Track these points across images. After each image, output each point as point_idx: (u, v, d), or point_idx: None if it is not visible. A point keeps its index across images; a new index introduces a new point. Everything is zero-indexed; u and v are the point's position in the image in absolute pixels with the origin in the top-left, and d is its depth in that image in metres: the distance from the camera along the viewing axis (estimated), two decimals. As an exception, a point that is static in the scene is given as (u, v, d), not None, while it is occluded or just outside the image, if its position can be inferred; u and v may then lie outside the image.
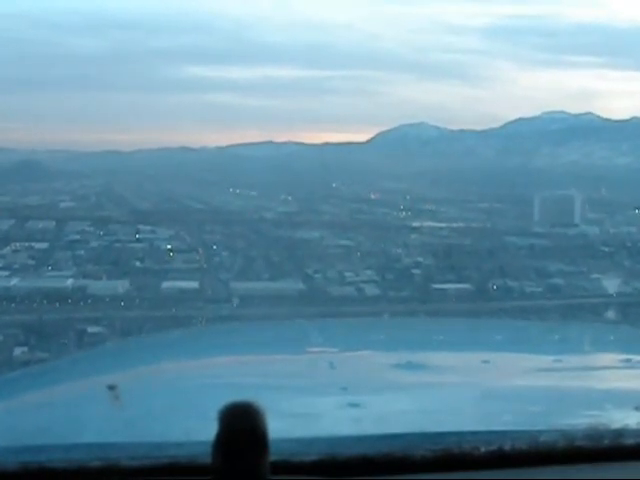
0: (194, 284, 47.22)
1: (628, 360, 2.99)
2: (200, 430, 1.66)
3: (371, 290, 46.04)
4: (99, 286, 44.83)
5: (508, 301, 43.87)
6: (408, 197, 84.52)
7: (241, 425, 1.50)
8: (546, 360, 3.04)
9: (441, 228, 65.78)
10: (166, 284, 46.39)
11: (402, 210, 77.27)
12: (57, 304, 41.03)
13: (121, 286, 45.21)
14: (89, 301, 42.38)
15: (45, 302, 41.61)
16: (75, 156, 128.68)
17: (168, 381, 2.76)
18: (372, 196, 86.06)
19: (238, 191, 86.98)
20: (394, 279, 48.46)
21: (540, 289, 47.25)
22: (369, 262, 52.51)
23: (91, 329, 33.50)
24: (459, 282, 47.80)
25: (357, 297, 44.83)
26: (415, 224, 67.55)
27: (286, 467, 1.70)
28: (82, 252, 53.98)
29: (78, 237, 57.71)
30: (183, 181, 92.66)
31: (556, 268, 50.83)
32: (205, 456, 1.56)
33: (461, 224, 68.34)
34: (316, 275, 49.84)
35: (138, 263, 51.77)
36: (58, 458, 1.81)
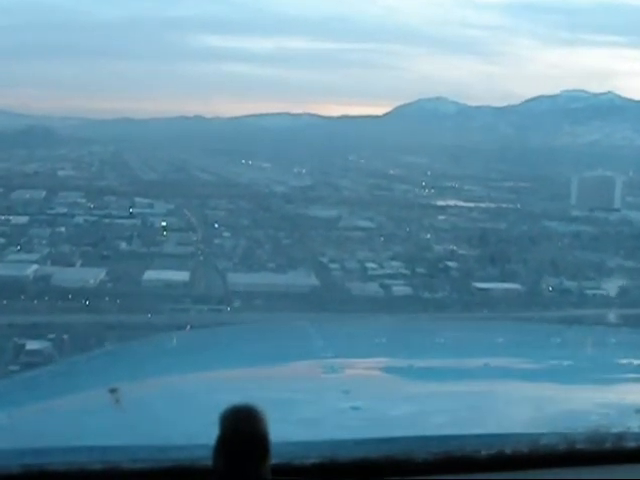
0: (184, 275, 36.50)
1: (630, 363, 2.85)
2: (202, 433, 1.59)
3: (400, 289, 35.33)
4: (67, 276, 34.28)
5: (569, 308, 33.33)
6: (429, 173, 77.62)
7: (242, 428, 1.43)
8: (547, 363, 2.84)
9: (470, 209, 56.83)
10: (149, 274, 35.80)
11: (424, 187, 69.80)
12: (5, 301, 30.57)
13: (93, 276, 34.64)
14: (46, 298, 31.78)
15: (-7, 297, 31.05)
16: (88, 123, 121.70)
17: (170, 384, 2.61)
18: (391, 171, 78.37)
19: (250, 162, 78.86)
20: (426, 274, 37.75)
21: (603, 292, 36.54)
22: (394, 250, 42.10)
23: (30, 345, 23.22)
24: (505, 280, 37.22)
25: (383, 297, 34.03)
26: (440, 203, 59.16)
27: (287, 470, 1.66)
28: (63, 229, 44.03)
29: (65, 210, 48.28)
30: (195, 151, 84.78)
31: (615, 263, 40.25)
32: (207, 459, 1.50)
33: (490, 204, 60.08)
34: (332, 265, 39.31)
35: (124, 244, 41.48)
36: (59, 461, 1.72)
